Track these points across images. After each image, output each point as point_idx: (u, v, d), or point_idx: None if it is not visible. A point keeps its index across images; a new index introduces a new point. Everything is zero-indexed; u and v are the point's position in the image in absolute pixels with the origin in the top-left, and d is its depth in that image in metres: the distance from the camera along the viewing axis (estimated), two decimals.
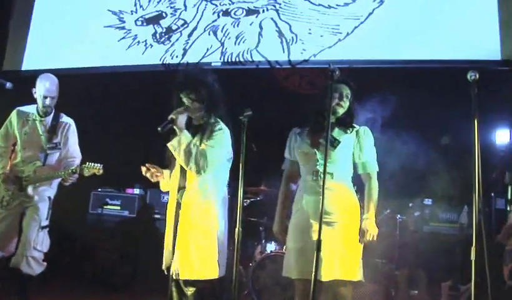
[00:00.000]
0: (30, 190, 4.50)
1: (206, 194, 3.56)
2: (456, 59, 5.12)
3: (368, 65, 5.57)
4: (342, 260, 3.30)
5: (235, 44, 6.17)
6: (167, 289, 3.63)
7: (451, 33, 5.29)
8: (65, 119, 4.71)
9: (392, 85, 4.96)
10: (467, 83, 2.93)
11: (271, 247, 5.52)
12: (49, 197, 4.59)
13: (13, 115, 4.67)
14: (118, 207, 6.65)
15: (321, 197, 3.05)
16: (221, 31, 6.29)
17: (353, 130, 3.48)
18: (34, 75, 4.80)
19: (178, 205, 3.61)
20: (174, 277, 3.52)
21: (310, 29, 5.92)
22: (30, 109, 4.67)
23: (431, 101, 5.13)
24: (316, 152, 3.42)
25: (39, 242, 4.46)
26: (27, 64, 7.08)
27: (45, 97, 4.55)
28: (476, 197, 2.72)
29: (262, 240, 5.63)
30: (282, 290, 4.92)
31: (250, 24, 6.19)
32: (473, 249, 2.70)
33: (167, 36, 6.52)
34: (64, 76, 4.88)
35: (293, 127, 3.71)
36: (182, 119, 3.50)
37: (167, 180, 3.75)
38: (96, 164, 4.40)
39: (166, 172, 3.76)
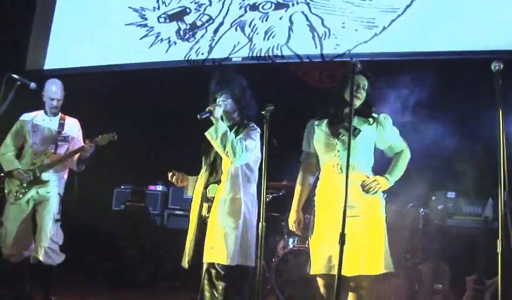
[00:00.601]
0: (45, 175, 4.73)
1: (236, 188, 3.76)
2: (482, 49, 5.07)
3: (401, 58, 5.52)
4: (366, 254, 3.31)
5: (264, 39, 6.09)
6: (188, 286, 3.73)
7: (479, 23, 5.22)
8: (70, 118, 5.02)
9: (420, 77, 4.93)
10: (491, 74, 2.91)
11: (293, 242, 5.54)
12: (59, 194, 4.82)
13: (23, 117, 4.96)
14: (142, 204, 6.72)
15: (344, 189, 3.06)
16: (249, 26, 6.18)
17: (373, 120, 3.50)
18: (56, 73, 4.91)
19: (206, 199, 3.80)
20: (205, 268, 3.70)
21: (343, 23, 5.82)
22: (36, 113, 4.97)
23: (457, 92, 5.10)
24: (337, 142, 3.45)
25: (55, 233, 4.67)
26: (49, 63, 7.16)
27: (52, 99, 4.87)
28: (502, 189, 2.71)
29: (285, 235, 5.65)
30: (305, 285, 4.88)
31: (280, 18, 6.08)
32: (499, 241, 2.69)
33: (191, 33, 6.45)
34: (85, 74, 4.97)
35: (311, 118, 3.75)
36: (219, 111, 3.64)
37: (192, 185, 3.92)
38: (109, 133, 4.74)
39: (191, 178, 3.96)
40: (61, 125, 4.90)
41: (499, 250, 2.68)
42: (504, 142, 2.79)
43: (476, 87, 3.41)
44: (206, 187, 3.83)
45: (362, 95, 3.48)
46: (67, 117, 4.98)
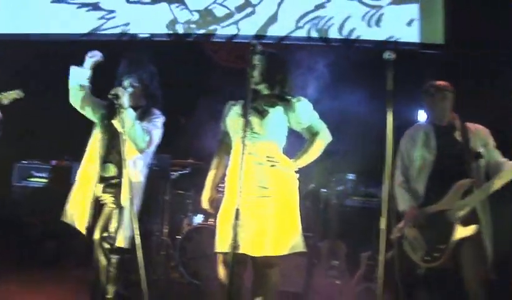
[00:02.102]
0: None
1: (136, 169, 3.85)
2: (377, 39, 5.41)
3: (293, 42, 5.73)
4: (277, 235, 3.38)
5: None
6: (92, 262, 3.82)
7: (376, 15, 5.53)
8: None
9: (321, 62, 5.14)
10: (384, 62, 3.12)
11: (198, 219, 5.67)
12: None
13: None
14: (45, 180, 6.59)
15: (254, 169, 3.30)
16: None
17: (284, 102, 3.56)
18: None
19: (102, 179, 3.87)
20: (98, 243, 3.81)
21: None
22: None
23: (353, 78, 5.37)
24: (246, 123, 3.40)
25: None
26: None
27: None
28: (387, 172, 2.97)
29: (190, 213, 5.77)
30: (210, 262, 5.03)
31: None
32: (382, 219, 2.97)
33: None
34: None
35: (222, 99, 3.82)
36: (126, 97, 3.63)
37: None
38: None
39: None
40: None
41: (382, 226, 2.96)
42: (393, 128, 3.04)
43: (374, 75, 3.65)
44: (101, 166, 3.87)
45: (264, 76, 3.54)
46: None
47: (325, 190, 5.44)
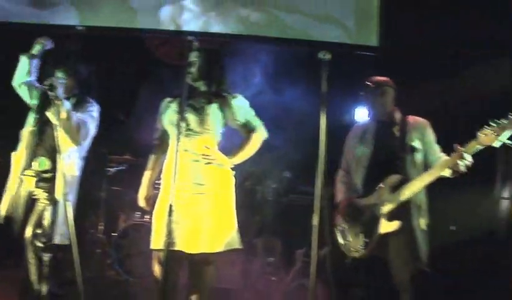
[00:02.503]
0: None
1: (70, 164, 3.86)
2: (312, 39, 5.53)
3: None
4: (213, 232, 3.39)
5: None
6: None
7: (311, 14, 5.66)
8: None
9: (256, 60, 5.22)
10: (319, 62, 3.22)
11: (135, 216, 5.64)
12: None
13: None
14: None
15: (190, 166, 3.32)
16: None
17: (220, 99, 3.56)
18: None
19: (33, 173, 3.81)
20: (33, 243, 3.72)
21: None
22: None
23: (292, 77, 5.42)
24: (182, 120, 3.38)
25: None
26: None
27: None
28: (320, 169, 3.07)
29: (126, 210, 5.73)
30: (145, 260, 5.01)
31: None
32: (315, 216, 3.07)
33: None
34: None
35: (162, 96, 3.78)
36: (60, 87, 3.59)
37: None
38: None
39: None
40: None
41: (314, 222, 3.06)
42: (327, 127, 3.14)
43: (311, 74, 3.74)
44: (31, 160, 3.83)
45: (201, 73, 3.54)
46: None
47: (261, 187, 5.51)
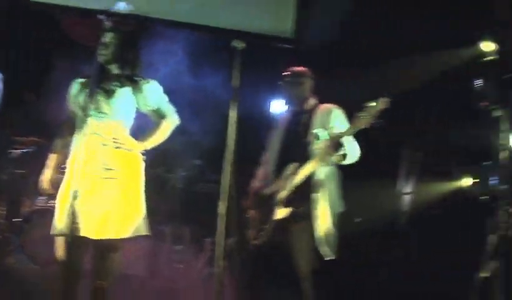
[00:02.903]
0: None
1: None
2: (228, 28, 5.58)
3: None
4: (120, 217, 3.35)
5: None
6: None
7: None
8: None
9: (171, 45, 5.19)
10: (233, 50, 3.25)
11: (39, 201, 5.47)
12: None
13: None
14: None
15: (98, 150, 3.27)
16: None
17: (132, 83, 3.52)
18: None
19: None
20: None
21: None
22: None
23: (205, 64, 5.45)
24: (92, 102, 3.32)
25: None
26: None
27: None
28: (228, 158, 3.10)
29: (31, 194, 5.56)
30: (49, 246, 4.91)
31: None
32: (221, 203, 3.10)
33: None
34: None
35: (72, 77, 3.67)
36: None
37: None
38: None
39: None
40: None
41: (220, 211, 3.09)
42: (238, 115, 3.17)
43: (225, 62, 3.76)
44: None
45: (115, 55, 3.49)
46: None
47: (172, 174, 5.52)
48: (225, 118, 3.49)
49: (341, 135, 3.62)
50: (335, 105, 4.02)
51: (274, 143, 4.13)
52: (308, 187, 3.85)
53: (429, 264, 5.47)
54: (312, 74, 4.13)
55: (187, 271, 5.20)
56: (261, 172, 4.23)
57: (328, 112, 3.97)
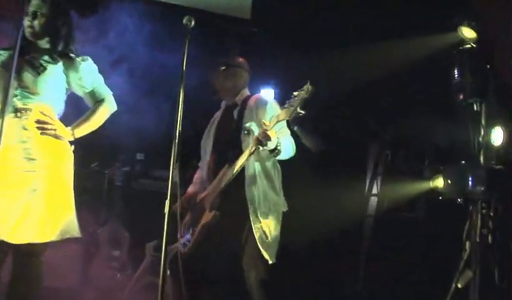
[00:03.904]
0: None
1: None
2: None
3: None
4: (43, 218, 3.14)
5: None
6: None
7: None
8: None
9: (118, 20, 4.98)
10: (183, 27, 3.07)
11: None
12: None
13: None
14: None
15: (20, 136, 3.10)
16: None
17: (64, 60, 3.38)
18: None
19: None
20: None
21: None
22: None
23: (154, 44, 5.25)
24: (12, 77, 3.07)
25: None
26: None
27: None
28: (174, 151, 2.90)
29: None
30: None
31: None
32: (167, 202, 2.91)
33: None
34: None
35: None
36: None
37: None
38: None
39: None
40: None
41: (166, 210, 2.90)
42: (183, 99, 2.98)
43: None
44: None
45: (45, 27, 3.33)
46: None
47: (109, 170, 5.37)
48: (174, 104, 3.32)
49: (267, 127, 3.43)
50: (269, 97, 4.00)
51: (207, 143, 4.01)
52: (237, 185, 3.68)
53: (397, 276, 5.43)
54: (248, 65, 4.02)
55: (125, 281, 5.03)
56: (197, 175, 4.13)
57: (261, 104, 3.82)
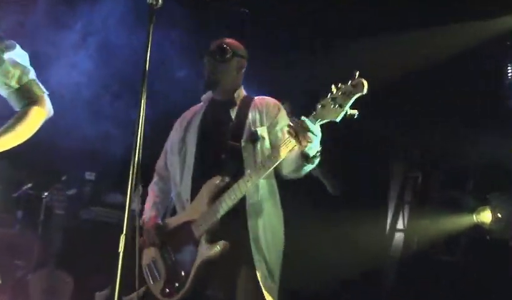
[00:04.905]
0: None
1: None
2: None
3: None
4: None
5: None
6: None
7: None
8: None
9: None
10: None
11: None
12: None
13: None
14: None
15: None
16: None
17: None
18: None
19: None
20: None
21: None
22: None
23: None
24: None
25: None
26: None
27: None
28: (132, 171, 2.77)
29: None
30: None
31: None
32: (122, 237, 2.77)
33: None
34: None
35: None
36: None
37: None
38: None
39: None
40: None
41: (120, 249, 2.76)
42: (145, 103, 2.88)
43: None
44: None
45: None
46: None
47: (48, 194, 5.26)
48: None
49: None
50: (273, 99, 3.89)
51: (180, 147, 3.92)
52: (243, 211, 3.59)
53: None
54: (247, 53, 3.95)
55: None
56: (154, 194, 4.01)
57: (274, 108, 3.81)
